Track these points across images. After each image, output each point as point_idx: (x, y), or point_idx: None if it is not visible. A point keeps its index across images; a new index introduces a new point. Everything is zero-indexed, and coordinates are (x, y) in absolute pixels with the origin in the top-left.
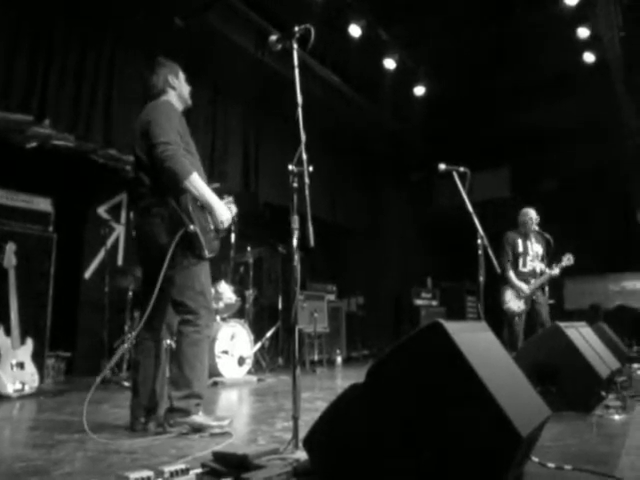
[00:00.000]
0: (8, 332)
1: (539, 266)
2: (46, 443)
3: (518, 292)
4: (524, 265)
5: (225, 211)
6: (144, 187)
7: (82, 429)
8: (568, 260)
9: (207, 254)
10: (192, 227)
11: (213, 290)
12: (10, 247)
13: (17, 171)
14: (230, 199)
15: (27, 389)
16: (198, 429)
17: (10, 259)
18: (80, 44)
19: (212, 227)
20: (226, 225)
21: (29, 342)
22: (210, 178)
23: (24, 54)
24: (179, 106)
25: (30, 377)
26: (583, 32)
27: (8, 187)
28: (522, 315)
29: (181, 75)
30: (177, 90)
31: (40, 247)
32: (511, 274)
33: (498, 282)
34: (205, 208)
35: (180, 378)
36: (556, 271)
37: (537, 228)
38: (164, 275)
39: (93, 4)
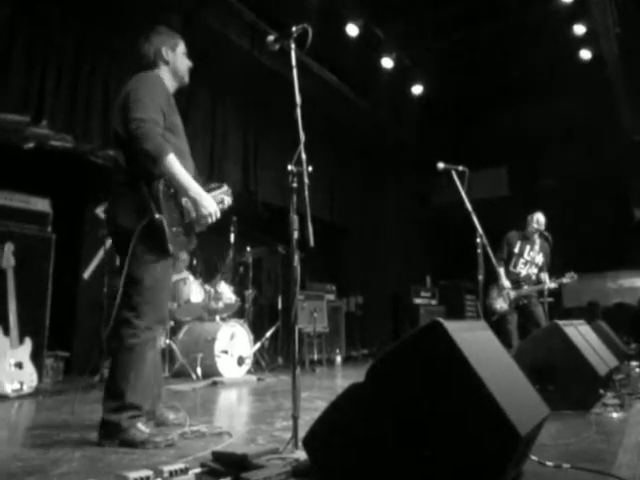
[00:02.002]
0: (7, 332)
1: (531, 272)
2: (44, 443)
3: (500, 289)
4: (514, 266)
5: (209, 202)
6: (118, 166)
7: (80, 428)
8: (571, 278)
9: (170, 249)
10: (158, 216)
11: (212, 290)
12: (8, 247)
13: (15, 172)
14: (225, 189)
15: (25, 389)
16: (130, 444)
17: (9, 259)
18: (77, 44)
19: (186, 221)
20: (209, 218)
21: (28, 342)
22: (209, 178)
23: (21, 55)
24: (173, 83)
25: (29, 377)
26: (579, 29)
27: (6, 188)
28: (509, 315)
29: (179, 48)
30: (170, 65)
31: (39, 247)
32: (500, 270)
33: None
34: (179, 200)
35: (111, 387)
36: (553, 285)
37: (542, 229)
38: (132, 267)
39: (90, 4)
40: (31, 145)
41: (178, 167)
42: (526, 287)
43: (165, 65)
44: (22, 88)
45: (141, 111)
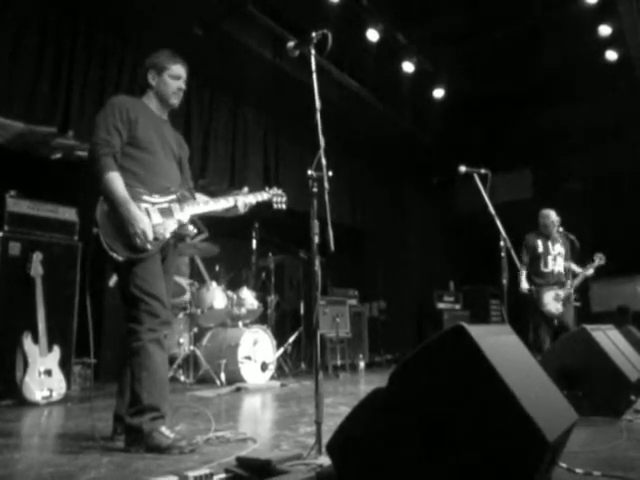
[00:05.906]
0: (36, 340)
1: (563, 265)
2: (73, 449)
3: (556, 294)
4: (545, 265)
5: (137, 222)
6: None
7: (108, 435)
8: (600, 259)
9: (118, 257)
10: (95, 230)
11: (235, 296)
12: (37, 256)
13: (43, 182)
14: (245, 190)
15: (55, 396)
16: (156, 449)
17: (37, 268)
18: (102, 56)
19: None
20: (136, 238)
21: (56, 349)
22: (231, 185)
23: (48, 68)
24: (160, 106)
25: (57, 384)
26: (605, 29)
27: (35, 198)
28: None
29: (168, 72)
30: (155, 89)
31: (66, 256)
32: (521, 274)
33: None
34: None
35: (130, 395)
36: (590, 271)
37: (561, 229)
38: (118, 279)
39: (114, 16)
40: (58, 155)
41: (115, 185)
42: (569, 282)
43: (150, 90)
44: (49, 100)
45: (94, 135)
